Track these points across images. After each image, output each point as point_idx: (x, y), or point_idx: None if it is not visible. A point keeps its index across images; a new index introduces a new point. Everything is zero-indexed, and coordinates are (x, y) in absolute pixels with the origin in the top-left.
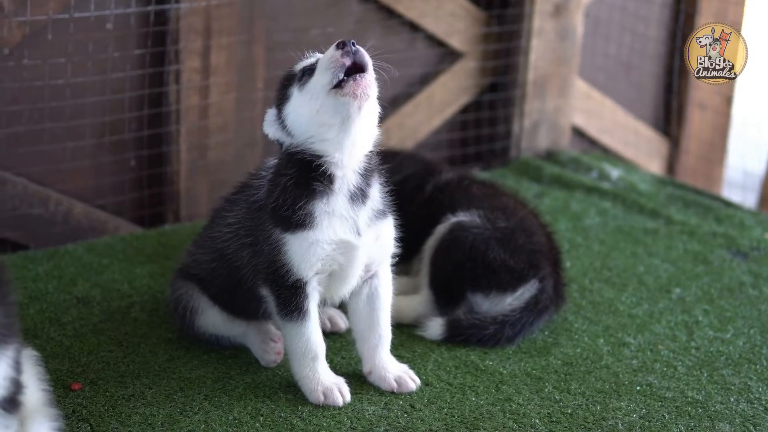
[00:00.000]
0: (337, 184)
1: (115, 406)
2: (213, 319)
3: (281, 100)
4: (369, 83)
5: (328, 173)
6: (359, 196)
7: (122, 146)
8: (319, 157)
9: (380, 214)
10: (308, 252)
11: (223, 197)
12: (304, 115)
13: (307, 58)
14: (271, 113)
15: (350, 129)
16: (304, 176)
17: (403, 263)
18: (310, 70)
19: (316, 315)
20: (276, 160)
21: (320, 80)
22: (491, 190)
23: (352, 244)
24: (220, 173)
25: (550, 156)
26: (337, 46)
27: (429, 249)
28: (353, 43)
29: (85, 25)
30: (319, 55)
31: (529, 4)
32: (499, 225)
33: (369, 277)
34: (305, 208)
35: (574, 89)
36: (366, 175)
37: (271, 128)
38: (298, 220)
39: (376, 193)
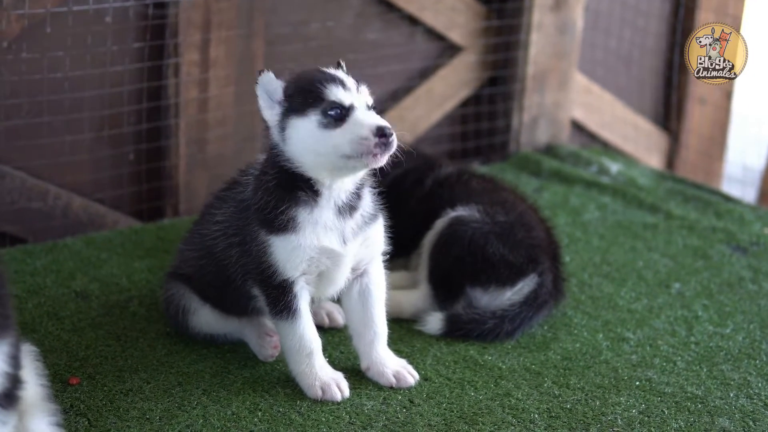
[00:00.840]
0: (324, 199)
1: (113, 400)
2: (206, 318)
3: (295, 106)
4: (385, 159)
5: (315, 188)
6: (347, 209)
7: (121, 140)
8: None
9: (370, 219)
10: (292, 254)
11: (213, 193)
12: (309, 146)
13: (345, 83)
14: (268, 80)
15: (347, 176)
16: (288, 181)
17: (402, 258)
18: (339, 114)
19: (307, 312)
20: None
21: (341, 143)
22: (490, 185)
23: (337, 252)
24: (219, 167)
25: (550, 150)
26: (378, 132)
27: (428, 243)
28: (391, 134)
29: (83, 19)
30: (356, 91)
31: None
32: (498, 219)
33: (359, 275)
34: (287, 213)
35: (573, 83)
36: (356, 192)
37: (268, 111)
38: (281, 224)
39: (367, 200)
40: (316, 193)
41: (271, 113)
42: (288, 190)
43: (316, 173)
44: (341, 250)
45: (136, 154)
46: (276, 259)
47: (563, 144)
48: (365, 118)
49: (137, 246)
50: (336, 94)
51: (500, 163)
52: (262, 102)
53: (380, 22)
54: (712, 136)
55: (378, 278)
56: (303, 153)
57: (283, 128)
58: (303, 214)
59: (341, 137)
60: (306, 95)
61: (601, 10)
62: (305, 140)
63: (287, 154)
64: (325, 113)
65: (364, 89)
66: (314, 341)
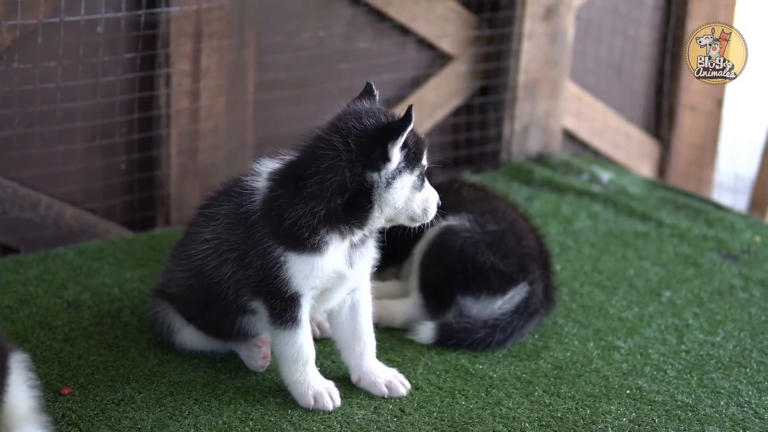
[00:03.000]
0: (357, 236)
1: (105, 410)
2: (190, 336)
3: (409, 159)
4: None
5: (363, 228)
6: (364, 240)
7: (113, 150)
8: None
9: (371, 246)
10: (312, 273)
11: (197, 210)
12: (399, 202)
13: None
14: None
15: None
16: (343, 215)
17: (394, 267)
18: (424, 178)
19: (308, 322)
20: (293, 173)
21: (416, 207)
22: (481, 194)
23: (346, 275)
24: (210, 177)
25: (541, 159)
26: (439, 205)
27: (419, 253)
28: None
29: (75, 29)
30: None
31: (520, 7)
32: (488, 228)
33: (351, 291)
34: (324, 237)
35: (565, 92)
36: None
37: (395, 161)
38: (313, 245)
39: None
40: (359, 229)
41: (396, 155)
42: (336, 220)
43: (380, 223)
44: (348, 274)
45: (127, 164)
46: (291, 275)
47: (554, 153)
48: (431, 188)
49: (129, 256)
50: (426, 158)
51: (491, 172)
52: (401, 141)
53: (371, 31)
54: (703, 143)
55: (366, 290)
56: (391, 205)
57: (393, 177)
58: (335, 241)
59: (419, 201)
60: (416, 153)
61: (592, 18)
62: (401, 196)
63: (379, 200)
64: (420, 176)
65: None
66: (310, 350)
